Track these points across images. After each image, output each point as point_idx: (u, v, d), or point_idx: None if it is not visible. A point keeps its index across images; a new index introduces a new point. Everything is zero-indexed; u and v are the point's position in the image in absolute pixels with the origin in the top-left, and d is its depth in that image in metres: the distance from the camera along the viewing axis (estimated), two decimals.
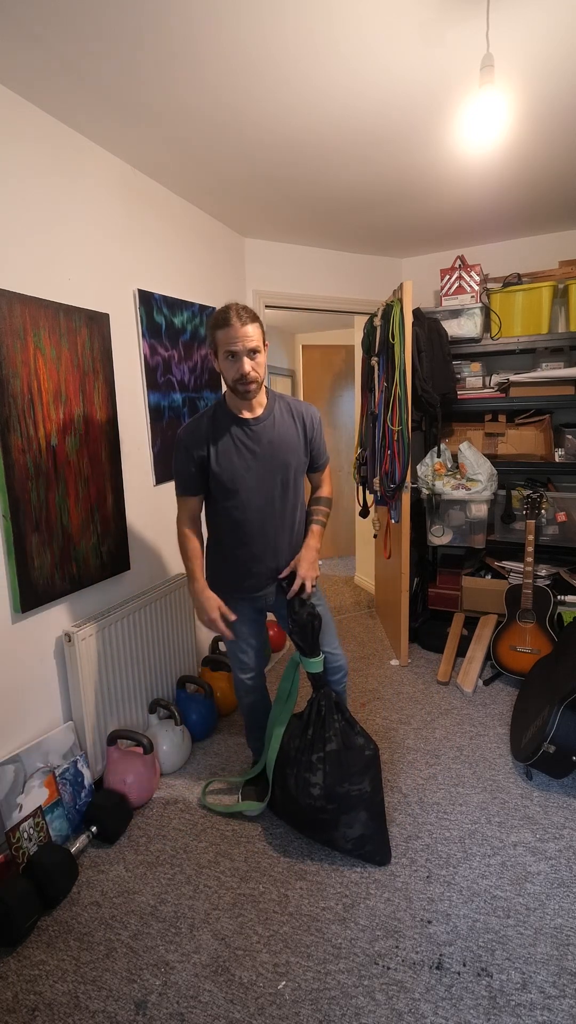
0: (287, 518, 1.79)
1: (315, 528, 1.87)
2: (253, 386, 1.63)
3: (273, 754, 1.87)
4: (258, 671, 1.99)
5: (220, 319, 1.58)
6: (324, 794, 1.71)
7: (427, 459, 3.04)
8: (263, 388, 1.73)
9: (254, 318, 1.60)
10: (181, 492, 1.76)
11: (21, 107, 1.67)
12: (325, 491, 1.93)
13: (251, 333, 1.58)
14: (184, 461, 1.71)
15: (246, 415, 1.71)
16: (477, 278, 2.97)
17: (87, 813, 1.86)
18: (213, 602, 1.75)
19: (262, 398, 1.74)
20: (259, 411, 1.73)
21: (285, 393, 1.82)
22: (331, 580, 4.55)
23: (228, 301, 1.68)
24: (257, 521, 1.74)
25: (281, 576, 1.81)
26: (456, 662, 2.97)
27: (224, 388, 1.76)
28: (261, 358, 1.63)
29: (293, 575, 1.80)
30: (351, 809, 1.71)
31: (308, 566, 1.80)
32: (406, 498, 2.80)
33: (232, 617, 1.78)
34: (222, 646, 2.86)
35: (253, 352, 1.60)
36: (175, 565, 2.56)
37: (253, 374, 1.61)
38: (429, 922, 1.55)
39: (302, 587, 1.79)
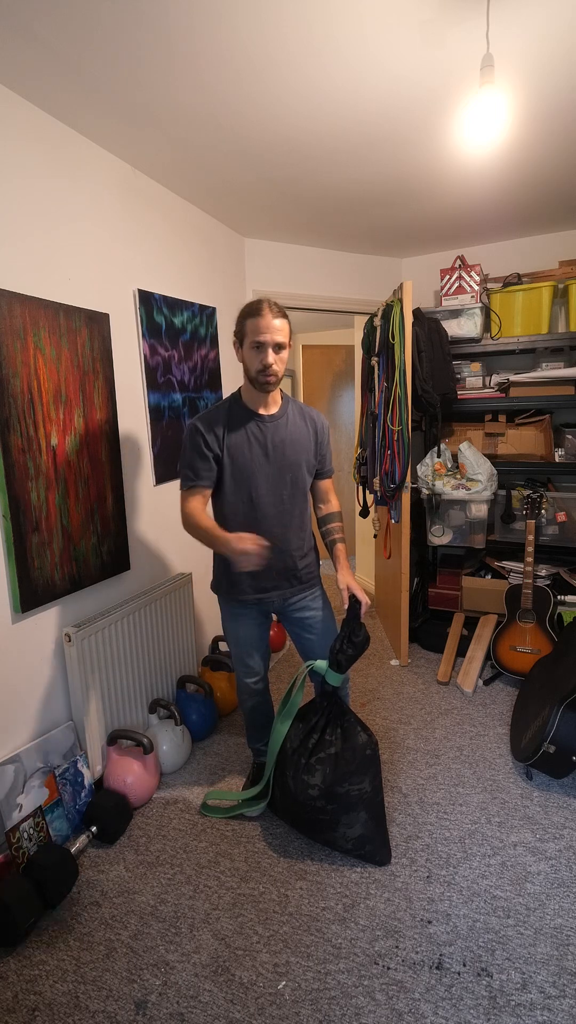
0: (296, 517, 1.80)
1: (341, 547, 1.87)
2: (273, 379, 1.64)
3: (275, 749, 1.87)
4: (262, 675, 1.99)
5: (252, 308, 1.61)
6: (324, 794, 1.71)
7: (427, 459, 3.04)
8: (279, 388, 1.74)
9: (284, 314, 1.63)
10: (190, 483, 1.69)
11: (21, 107, 1.67)
12: (334, 505, 1.92)
13: (280, 327, 1.60)
14: (196, 450, 1.67)
15: (261, 411, 1.72)
16: (477, 278, 2.97)
17: (87, 813, 1.86)
18: (245, 540, 1.59)
19: (277, 397, 1.75)
20: (274, 409, 1.74)
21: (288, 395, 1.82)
22: (331, 580, 4.54)
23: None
24: (268, 518, 1.74)
25: (346, 594, 1.76)
26: (456, 662, 2.97)
27: (240, 384, 1.76)
28: (284, 355, 1.65)
29: (354, 599, 1.75)
30: (351, 809, 1.71)
31: (359, 589, 1.77)
32: (406, 498, 2.80)
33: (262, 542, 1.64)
34: (222, 646, 2.87)
35: (279, 347, 1.61)
36: (175, 565, 2.56)
37: (276, 367, 1.62)
38: (429, 922, 1.55)
39: (359, 607, 1.75)
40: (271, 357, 1.60)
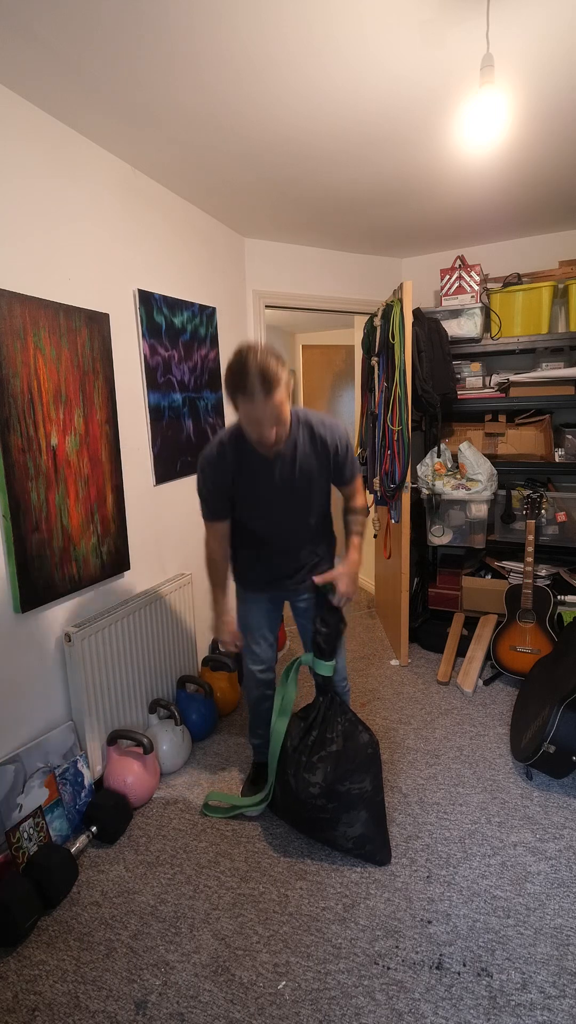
0: (308, 531, 1.81)
1: (355, 540, 1.81)
2: (274, 447, 1.54)
3: (276, 748, 1.88)
4: (269, 664, 2.01)
5: (239, 385, 1.40)
6: (325, 792, 1.71)
7: (427, 459, 3.04)
8: None
9: (277, 380, 1.40)
10: (209, 517, 1.74)
11: (21, 107, 1.67)
12: (359, 501, 1.83)
13: (276, 404, 1.42)
14: (209, 488, 1.68)
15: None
16: (477, 278, 2.97)
17: (87, 813, 1.86)
18: (229, 633, 1.87)
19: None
20: (280, 444, 1.62)
21: (307, 410, 1.72)
22: None
23: (243, 344, 1.44)
24: (279, 536, 1.77)
25: (318, 582, 1.76)
26: (456, 662, 2.97)
27: None
28: (286, 412, 1.48)
29: (329, 584, 1.76)
30: (352, 808, 1.71)
31: (350, 582, 1.77)
32: (406, 498, 2.80)
33: (238, 647, 1.89)
34: (222, 646, 2.87)
35: (277, 420, 1.46)
36: (175, 565, 2.56)
37: (277, 437, 1.50)
38: (429, 922, 1.55)
39: (335, 593, 1.77)
40: (272, 435, 1.48)
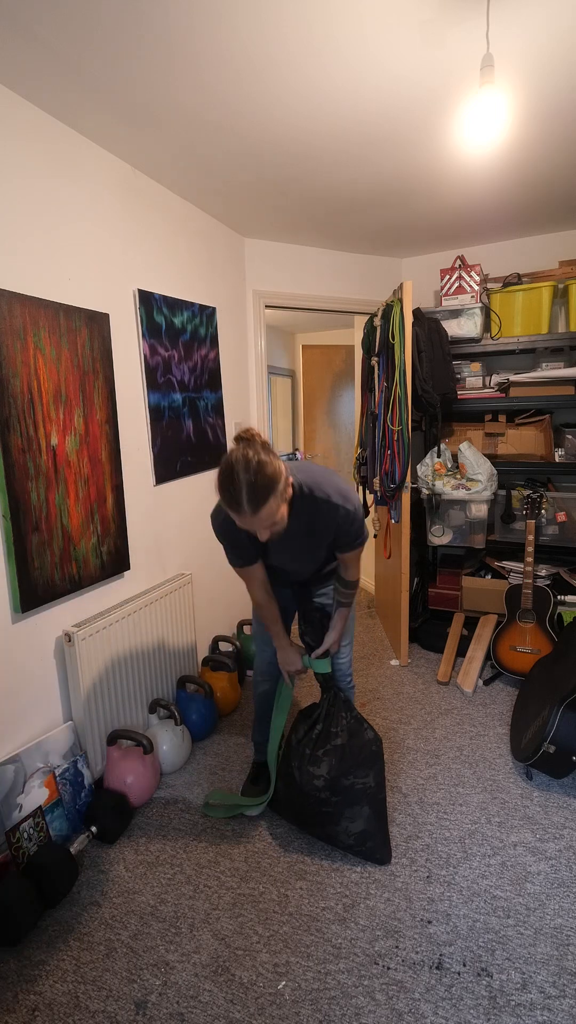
0: (317, 567, 1.81)
1: (341, 611, 1.82)
2: (276, 532, 1.46)
3: (274, 746, 1.88)
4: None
5: (227, 500, 1.33)
6: (329, 785, 1.71)
7: (427, 459, 3.04)
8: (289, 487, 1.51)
9: (268, 491, 1.31)
10: (239, 564, 1.69)
11: (21, 107, 1.67)
12: (351, 574, 1.75)
13: (266, 516, 1.34)
14: (228, 542, 1.64)
15: None
16: (477, 278, 2.97)
17: (87, 813, 1.86)
18: (292, 662, 1.86)
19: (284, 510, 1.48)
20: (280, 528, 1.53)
21: (314, 471, 1.61)
22: None
23: (234, 453, 1.34)
24: (288, 570, 1.78)
25: (314, 657, 1.84)
26: (456, 662, 2.97)
27: None
28: (281, 514, 1.40)
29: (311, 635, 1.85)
30: (355, 803, 1.71)
31: (334, 644, 1.85)
32: (406, 498, 2.80)
33: (296, 670, 1.89)
34: (222, 646, 2.87)
35: (272, 523, 1.39)
36: (175, 565, 2.56)
37: (273, 533, 1.43)
38: (429, 922, 1.55)
39: (310, 592, 1.84)
40: (265, 535, 1.42)
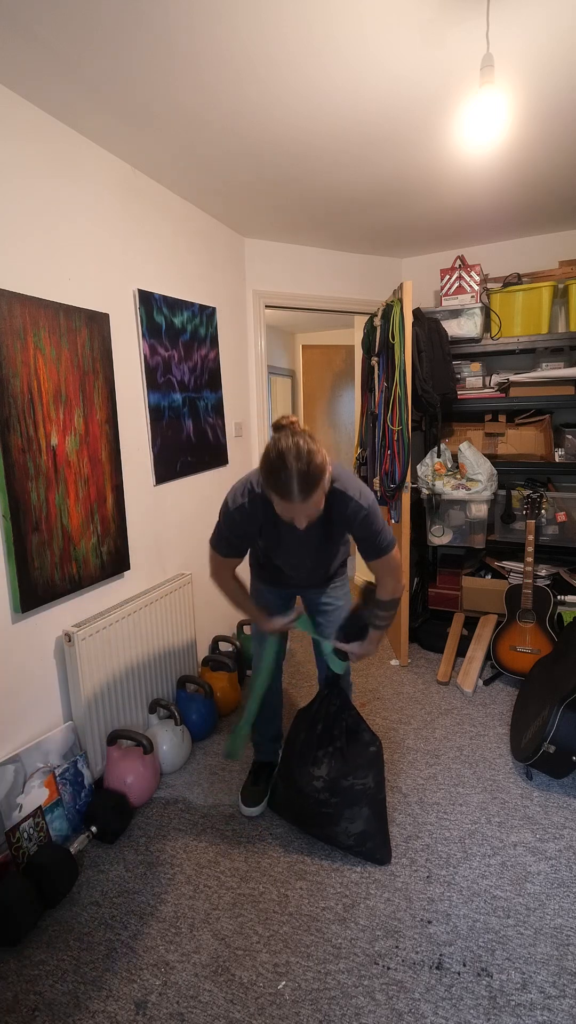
0: (326, 565, 1.81)
1: (373, 634, 1.71)
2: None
3: (253, 707, 1.90)
4: (279, 654, 2.00)
5: (277, 487, 1.33)
6: (329, 786, 1.71)
7: (427, 459, 3.04)
8: None
9: (318, 482, 1.32)
10: (225, 553, 1.66)
11: (21, 107, 1.67)
12: (387, 590, 1.63)
13: (313, 504, 1.35)
14: (236, 533, 1.62)
15: None
16: (477, 278, 2.97)
17: (87, 813, 1.86)
18: (270, 622, 1.82)
19: None
20: None
21: (339, 472, 1.57)
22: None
23: (285, 438, 1.33)
24: (297, 568, 1.78)
25: (335, 645, 1.77)
26: (456, 662, 2.97)
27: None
28: (321, 504, 1.41)
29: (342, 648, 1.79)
30: (354, 804, 1.71)
31: (361, 651, 1.74)
32: (406, 498, 2.80)
33: (276, 628, 1.84)
34: (222, 646, 2.87)
35: (314, 512, 1.40)
36: (175, 565, 2.56)
37: (309, 522, 1.44)
38: (429, 922, 1.55)
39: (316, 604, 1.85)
40: (303, 523, 1.41)
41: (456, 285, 3.01)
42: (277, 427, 1.40)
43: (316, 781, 1.73)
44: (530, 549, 2.71)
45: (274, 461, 1.33)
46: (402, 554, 2.87)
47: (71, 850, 1.73)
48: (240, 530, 1.62)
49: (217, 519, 1.65)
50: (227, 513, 1.60)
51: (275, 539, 1.66)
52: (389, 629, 3.28)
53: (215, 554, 1.69)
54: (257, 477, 1.55)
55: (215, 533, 1.66)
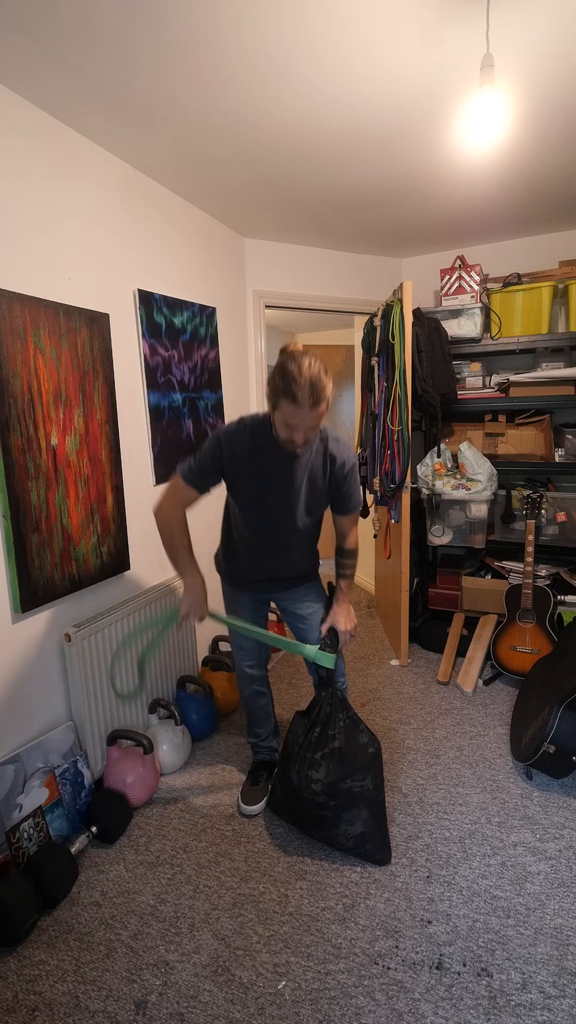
0: (304, 542, 1.81)
1: (343, 584, 1.87)
2: (299, 449, 1.55)
3: (147, 655, 1.86)
4: (259, 661, 2.00)
5: (288, 391, 1.41)
6: (327, 789, 1.71)
7: (427, 459, 3.04)
8: None
9: (323, 395, 1.43)
10: (190, 482, 1.63)
11: (20, 106, 1.67)
12: (351, 542, 1.85)
13: (315, 416, 1.45)
14: (214, 457, 1.61)
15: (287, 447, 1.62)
16: (477, 278, 2.97)
17: (87, 813, 1.86)
18: (194, 605, 1.72)
19: None
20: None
21: (328, 428, 1.71)
22: (331, 579, 4.54)
23: (294, 347, 1.46)
24: (276, 535, 1.75)
25: (322, 634, 1.84)
26: (456, 662, 2.97)
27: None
28: (319, 425, 1.53)
29: (333, 631, 1.83)
30: (353, 806, 1.71)
31: (346, 619, 1.84)
32: (406, 498, 2.80)
33: (203, 617, 1.75)
34: (222, 645, 2.87)
35: (311, 428, 1.50)
36: None
37: (305, 444, 1.53)
38: (429, 922, 1.55)
39: (337, 640, 1.83)
40: (302, 439, 1.50)
41: (456, 285, 3.01)
42: (284, 351, 1.48)
43: (314, 784, 1.72)
44: (530, 549, 2.71)
45: (287, 368, 1.41)
46: (402, 554, 2.87)
47: (71, 850, 1.72)
48: (219, 458, 1.60)
49: (197, 454, 1.64)
50: (216, 440, 1.61)
51: (256, 481, 1.64)
52: (389, 629, 3.29)
53: (177, 480, 1.63)
54: (250, 420, 1.64)
55: (187, 460, 1.64)
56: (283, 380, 1.42)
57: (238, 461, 1.62)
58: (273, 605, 2.18)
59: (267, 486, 1.65)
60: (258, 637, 1.84)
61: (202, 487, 1.65)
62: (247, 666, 2.00)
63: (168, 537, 1.69)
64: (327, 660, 1.80)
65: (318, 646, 1.83)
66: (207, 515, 2.62)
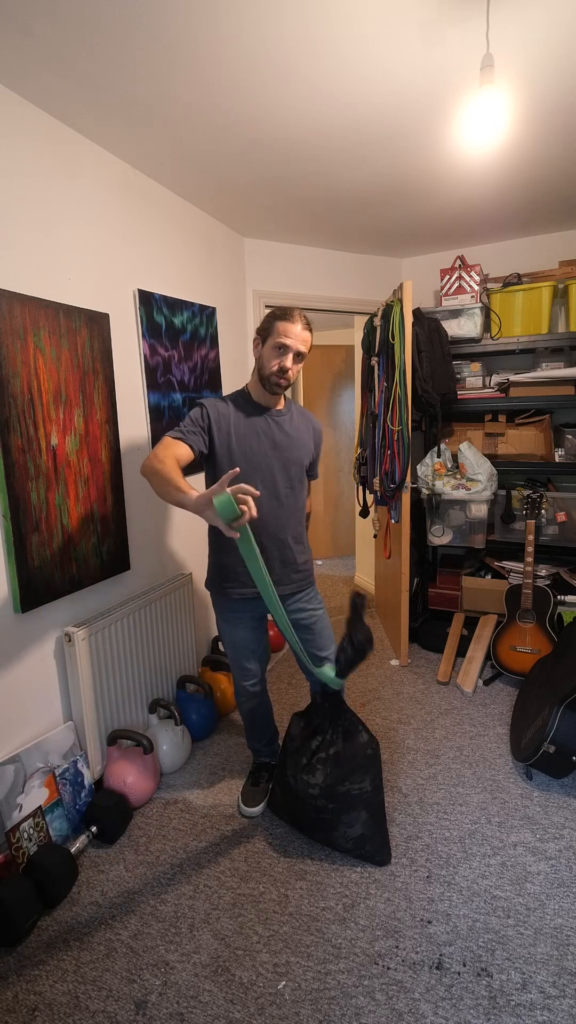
0: (296, 510, 1.83)
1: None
2: (285, 383, 1.70)
3: (267, 591, 1.57)
4: (260, 677, 1.97)
5: (285, 313, 1.67)
6: (325, 793, 1.71)
7: (427, 459, 3.04)
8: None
9: (311, 329, 1.71)
10: (176, 436, 1.62)
11: (20, 106, 1.67)
12: (308, 506, 2.03)
13: (305, 338, 1.68)
14: (200, 417, 1.68)
15: (269, 407, 1.77)
16: (477, 278, 2.97)
17: (87, 813, 1.86)
18: (205, 496, 1.35)
19: (281, 399, 1.81)
20: (280, 406, 1.80)
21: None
22: (331, 580, 4.55)
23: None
24: (267, 511, 1.71)
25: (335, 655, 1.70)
26: (456, 662, 2.97)
27: (245, 383, 1.82)
28: (300, 366, 1.72)
29: (345, 652, 1.65)
30: (351, 808, 1.71)
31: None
32: (406, 498, 2.80)
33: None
34: (222, 646, 2.87)
35: (299, 355, 1.68)
36: (175, 565, 2.56)
37: (291, 373, 1.69)
38: (429, 922, 1.55)
39: (362, 602, 1.66)
40: (290, 362, 1.66)
41: (456, 285, 3.01)
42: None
43: (312, 788, 1.72)
44: (530, 549, 2.71)
45: (281, 307, 1.70)
46: (402, 554, 2.87)
47: (71, 850, 1.72)
48: (205, 417, 1.69)
49: (182, 422, 1.71)
50: (197, 405, 1.72)
51: (249, 455, 1.70)
52: (389, 629, 3.29)
53: (166, 438, 1.62)
54: (232, 393, 1.82)
55: (177, 427, 1.67)
56: (276, 309, 1.68)
57: (225, 420, 1.70)
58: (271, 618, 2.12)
59: (257, 446, 1.72)
60: (288, 637, 1.69)
61: (191, 438, 1.63)
62: (249, 685, 1.95)
63: (162, 470, 1.49)
64: (337, 684, 1.74)
65: (335, 669, 1.70)
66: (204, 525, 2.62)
